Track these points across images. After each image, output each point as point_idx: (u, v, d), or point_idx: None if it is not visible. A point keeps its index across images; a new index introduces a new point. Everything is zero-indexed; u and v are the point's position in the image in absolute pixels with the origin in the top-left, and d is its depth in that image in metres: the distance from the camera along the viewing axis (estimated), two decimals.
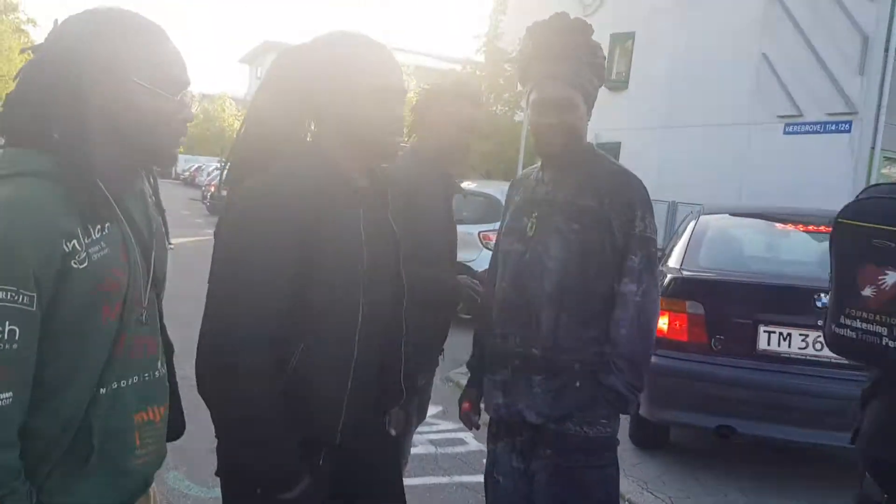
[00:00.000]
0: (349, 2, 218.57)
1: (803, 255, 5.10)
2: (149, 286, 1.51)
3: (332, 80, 1.76)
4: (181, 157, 52.49)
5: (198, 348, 1.72)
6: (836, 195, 13.87)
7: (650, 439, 5.05)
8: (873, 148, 14.21)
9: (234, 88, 55.22)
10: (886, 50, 14.09)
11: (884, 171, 15.08)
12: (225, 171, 1.87)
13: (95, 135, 1.38)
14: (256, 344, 1.62)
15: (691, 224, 5.08)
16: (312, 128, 1.89)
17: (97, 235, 1.38)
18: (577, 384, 2.24)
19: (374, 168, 1.89)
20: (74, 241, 1.33)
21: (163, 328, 1.62)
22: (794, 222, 5.18)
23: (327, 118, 1.81)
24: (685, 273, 4.60)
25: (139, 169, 1.58)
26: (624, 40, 20.73)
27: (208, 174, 28.47)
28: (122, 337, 1.42)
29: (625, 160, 19.96)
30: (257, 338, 1.62)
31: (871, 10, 14.18)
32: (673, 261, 4.80)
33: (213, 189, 23.07)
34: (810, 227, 5.01)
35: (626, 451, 5.00)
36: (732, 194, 15.96)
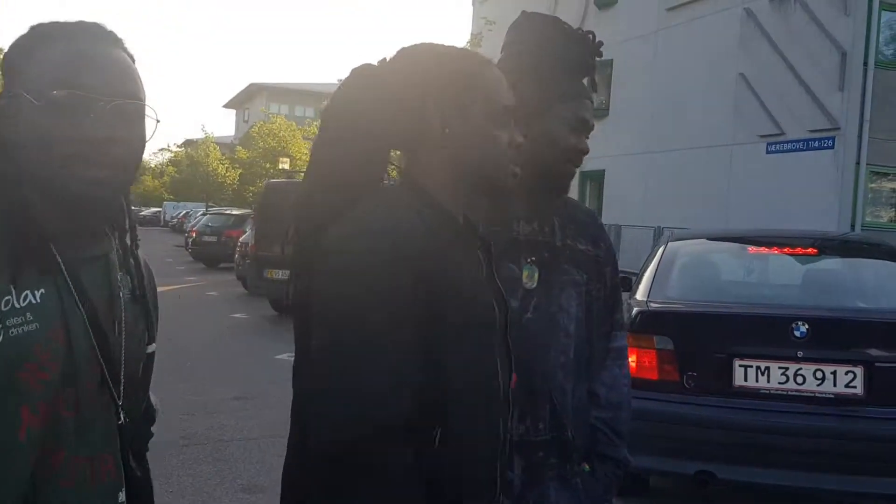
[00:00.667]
0: (330, 39, 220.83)
1: (780, 280, 4.78)
2: (103, 386, 1.12)
3: (440, 100, 1.35)
4: (169, 204, 52.57)
5: (314, 440, 1.24)
6: (824, 212, 13.79)
7: (628, 487, 4.65)
8: (858, 163, 14.00)
9: (220, 133, 55.10)
10: (865, 64, 13.96)
11: (872, 185, 14.85)
12: (295, 221, 1.38)
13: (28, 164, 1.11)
14: (393, 429, 1.17)
15: (659, 252, 4.74)
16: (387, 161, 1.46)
17: (21, 303, 1.03)
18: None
19: (476, 206, 1.48)
20: None
21: (137, 455, 1.22)
22: (770, 245, 4.85)
23: (427, 147, 1.37)
24: (652, 306, 4.25)
25: (95, 223, 1.18)
26: (602, 68, 20.59)
27: (195, 220, 28.19)
28: (53, 457, 1.05)
29: (609, 187, 19.91)
30: (393, 418, 1.18)
31: (847, 25, 14.06)
32: (640, 293, 4.45)
33: (194, 234, 22.86)
34: (786, 250, 4.68)
35: None
36: (718, 217, 15.72)
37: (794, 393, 3.90)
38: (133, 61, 1.19)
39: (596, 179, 20.68)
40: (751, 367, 3.96)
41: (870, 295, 4.42)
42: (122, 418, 1.16)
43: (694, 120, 17.10)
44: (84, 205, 1.11)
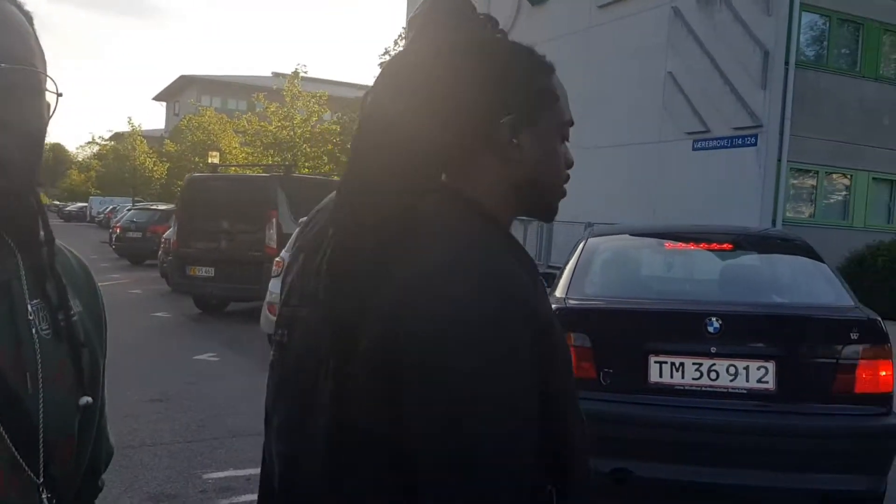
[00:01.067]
0: (259, 37, 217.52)
1: (697, 275, 4.78)
2: (16, 468, 0.84)
3: (513, 106, 1.14)
4: (95, 199, 51.02)
5: None
6: (747, 207, 14.08)
7: None
8: (780, 160, 14.35)
9: (150, 126, 53.72)
10: (787, 63, 14.31)
11: (793, 181, 15.25)
12: (335, 243, 1.10)
13: None
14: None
15: (578, 248, 4.69)
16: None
17: None
18: None
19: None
20: None
21: None
22: (688, 241, 4.85)
23: (486, 158, 1.15)
24: (570, 303, 4.20)
25: None
26: None
27: (121, 215, 27.40)
28: None
29: None
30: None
31: (769, 25, 14.38)
32: (559, 289, 4.40)
33: (118, 230, 22.21)
34: (703, 245, 4.69)
35: None
36: (647, 212, 15.93)
37: (708, 389, 3.89)
38: (29, 21, 0.90)
39: None
40: (665, 363, 3.94)
41: (784, 290, 4.45)
42: (47, 501, 0.87)
43: (624, 117, 17.30)
44: None
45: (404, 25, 20.59)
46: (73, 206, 58.01)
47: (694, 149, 15.79)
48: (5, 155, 0.80)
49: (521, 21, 21.44)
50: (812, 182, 15.53)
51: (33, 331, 0.89)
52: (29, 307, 0.90)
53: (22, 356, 0.86)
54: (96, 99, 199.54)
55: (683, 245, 4.80)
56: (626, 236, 5.22)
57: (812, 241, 4.69)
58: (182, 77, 56.23)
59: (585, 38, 18.88)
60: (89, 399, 0.96)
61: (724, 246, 4.59)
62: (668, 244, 4.83)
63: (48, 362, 0.89)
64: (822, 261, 4.43)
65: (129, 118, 51.40)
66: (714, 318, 3.83)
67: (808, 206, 15.56)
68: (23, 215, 0.93)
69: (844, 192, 15.96)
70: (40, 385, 0.87)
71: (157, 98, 63.52)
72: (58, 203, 73.39)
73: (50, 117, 0.88)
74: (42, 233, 0.95)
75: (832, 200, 15.92)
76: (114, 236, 23.21)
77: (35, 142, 0.85)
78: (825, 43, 15.35)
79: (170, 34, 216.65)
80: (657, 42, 16.63)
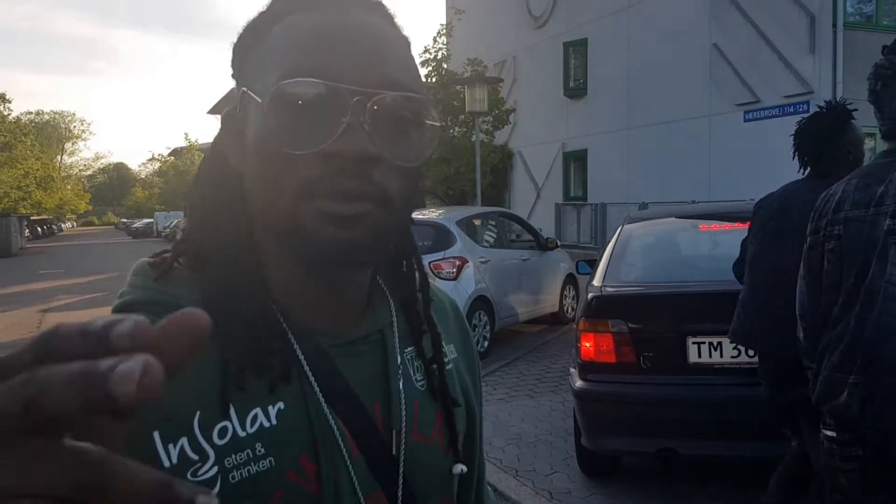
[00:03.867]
0: None
1: (730, 255, 4.81)
2: None
3: None
4: (160, 214, 52.58)
5: None
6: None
7: (598, 468, 4.74)
8: None
9: (205, 140, 54.98)
10: (834, 26, 13.98)
11: None
12: None
13: None
14: None
15: (615, 235, 4.81)
16: None
17: (248, 430, 0.71)
18: None
19: None
20: None
21: None
22: (721, 221, 4.91)
23: None
24: (606, 290, 4.32)
25: None
26: (578, 47, 20.63)
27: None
28: None
29: (593, 166, 19.95)
30: None
31: None
32: (596, 278, 4.53)
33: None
34: (737, 225, 4.74)
35: (575, 484, 4.71)
36: (701, 189, 15.80)
37: (746, 366, 3.97)
38: (407, 42, 0.78)
39: (579, 159, 20.73)
40: (703, 343, 4.04)
41: None
42: None
43: (671, 93, 17.14)
44: (335, 259, 0.70)
45: (442, 22, 20.75)
46: (139, 223, 59.83)
47: (745, 120, 15.55)
48: (391, 189, 0.71)
49: (560, 5, 21.38)
50: (870, 145, 15.14)
51: (400, 385, 0.80)
52: (399, 358, 0.82)
53: (392, 413, 0.79)
54: (154, 116, 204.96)
55: (717, 226, 4.86)
56: (660, 220, 5.29)
57: None
58: (233, 90, 57.31)
59: (626, 17, 18.74)
60: (464, 467, 0.86)
61: None
62: (703, 226, 4.90)
63: (423, 419, 0.82)
64: None
65: (186, 133, 52.80)
66: None
67: None
68: (397, 254, 0.88)
69: None
70: (403, 445, 0.78)
71: (212, 111, 64.87)
72: (125, 220, 75.81)
73: (430, 147, 0.75)
74: (417, 271, 0.89)
75: None
76: None
77: (415, 174, 0.76)
78: (872, 2, 14.93)
79: (221, 46, 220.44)
80: (699, 15, 16.42)
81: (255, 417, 0.68)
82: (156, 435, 0.62)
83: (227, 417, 0.67)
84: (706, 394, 4.01)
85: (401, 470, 0.77)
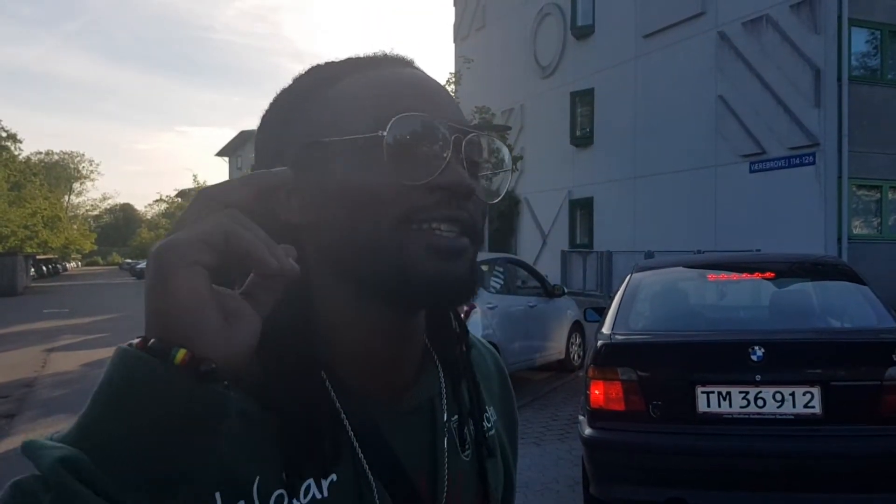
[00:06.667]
0: None
1: (739, 305, 4.87)
2: None
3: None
4: None
5: None
6: (812, 227, 13.91)
7: None
8: (840, 177, 14.16)
9: (213, 182, 55.41)
10: (839, 79, 14.18)
11: (859, 197, 14.94)
12: None
13: None
14: None
15: (624, 283, 4.85)
16: None
17: (301, 500, 0.71)
18: None
19: None
20: None
21: None
22: (729, 271, 4.95)
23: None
24: (615, 338, 4.34)
25: None
26: (585, 97, 20.91)
27: None
28: None
29: (599, 214, 20.06)
30: None
31: (818, 43, 14.31)
32: (606, 325, 4.55)
33: None
34: (745, 275, 4.79)
35: None
36: (706, 238, 15.87)
37: (756, 416, 3.98)
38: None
39: (585, 207, 20.86)
40: (713, 392, 4.04)
41: (826, 315, 4.51)
42: None
43: (677, 143, 17.32)
44: (438, 292, 0.70)
45: (452, 71, 21.07)
46: (144, 264, 59.84)
47: (751, 171, 15.69)
48: (479, 224, 0.73)
49: (567, 55, 21.72)
50: (876, 197, 15.23)
51: (444, 450, 0.80)
52: (446, 427, 0.82)
53: (437, 486, 0.79)
54: (162, 158, 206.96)
55: (725, 276, 4.90)
56: (669, 269, 5.33)
57: (880, 257, 4.76)
58: (243, 132, 58.00)
59: (633, 68, 19.04)
60: None
61: (766, 275, 4.69)
62: (711, 276, 4.94)
63: (466, 487, 0.82)
64: (864, 283, 4.48)
65: (195, 175, 53.23)
66: (757, 347, 3.93)
67: (875, 222, 15.25)
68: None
69: None
70: None
71: (220, 154, 65.60)
72: (129, 261, 76.02)
73: (505, 186, 0.79)
74: (455, 324, 0.86)
75: None
76: None
77: (486, 213, 0.76)
78: (877, 57, 15.15)
79: (230, 90, 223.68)
80: (705, 67, 16.67)
81: (308, 488, 0.69)
82: (217, 495, 0.64)
83: (283, 486, 0.68)
84: (716, 444, 4.00)
85: None
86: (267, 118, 0.78)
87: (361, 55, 0.78)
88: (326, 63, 0.79)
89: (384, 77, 0.74)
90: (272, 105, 0.79)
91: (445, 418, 0.82)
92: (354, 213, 0.70)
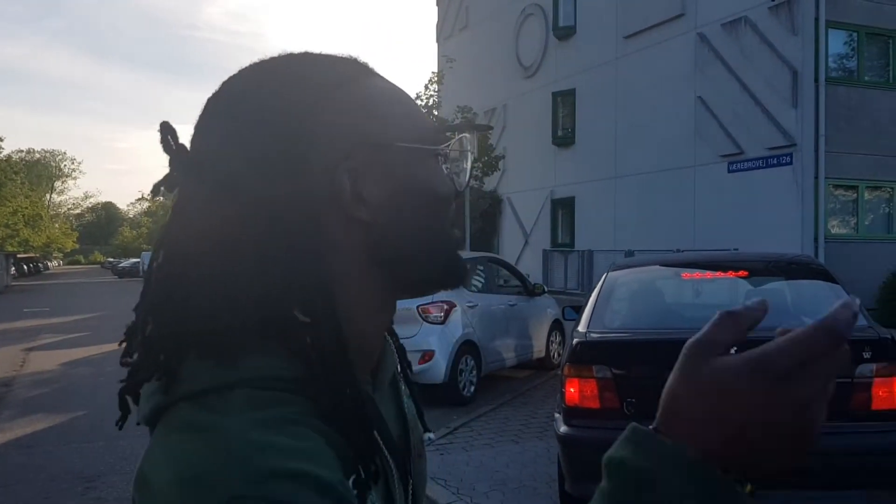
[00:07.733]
0: None
1: (713, 303, 4.92)
2: None
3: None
4: (147, 254, 52.09)
5: None
6: (789, 226, 14.05)
7: None
8: (817, 177, 14.31)
9: None
10: (816, 80, 14.33)
11: (835, 197, 15.11)
12: None
13: None
14: None
15: (600, 282, 4.90)
16: None
17: None
18: None
19: None
20: None
21: None
22: (704, 269, 5.01)
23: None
24: (591, 336, 4.39)
25: None
26: (566, 97, 21.01)
27: None
28: None
29: (581, 213, 20.15)
30: None
31: (796, 45, 14.46)
32: (581, 323, 4.60)
33: None
34: (718, 274, 4.85)
35: None
36: (685, 237, 15.99)
37: None
38: None
39: (567, 206, 20.95)
40: None
41: (797, 313, 4.58)
42: None
43: (657, 144, 17.45)
44: (462, 274, 0.82)
45: (434, 70, 21.09)
46: (126, 262, 59.65)
47: (729, 171, 15.83)
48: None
49: (549, 56, 21.80)
50: (852, 197, 15.41)
51: (406, 415, 0.90)
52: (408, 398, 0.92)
53: (411, 445, 0.87)
54: (144, 156, 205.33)
55: (700, 275, 4.96)
56: (644, 268, 5.38)
57: (857, 257, 4.83)
58: None
59: (614, 68, 19.15)
60: (431, 435, 1.03)
61: (740, 273, 4.75)
62: (685, 274, 5.00)
63: (420, 453, 0.91)
64: (836, 282, 4.55)
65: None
66: None
67: (851, 222, 15.42)
68: None
69: (885, 206, 15.78)
70: (417, 467, 0.88)
71: None
72: (111, 259, 75.41)
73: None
74: None
75: (875, 215, 15.75)
76: None
77: None
78: (854, 58, 15.32)
79: (213, 89, 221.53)
80: (685, 68, 16.80)
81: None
82: None
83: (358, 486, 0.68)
84: None
85: (410, 489, 0.84)
86: (267, 109, 0.72)
87: (357, 59, 0.81)
88: (330, 61, 0.77)
89: (393, 89, 0.81)
90: (268, 97, 0.72)
91: (405, 390, 0.91)
92: (426, 213, 0.77)
